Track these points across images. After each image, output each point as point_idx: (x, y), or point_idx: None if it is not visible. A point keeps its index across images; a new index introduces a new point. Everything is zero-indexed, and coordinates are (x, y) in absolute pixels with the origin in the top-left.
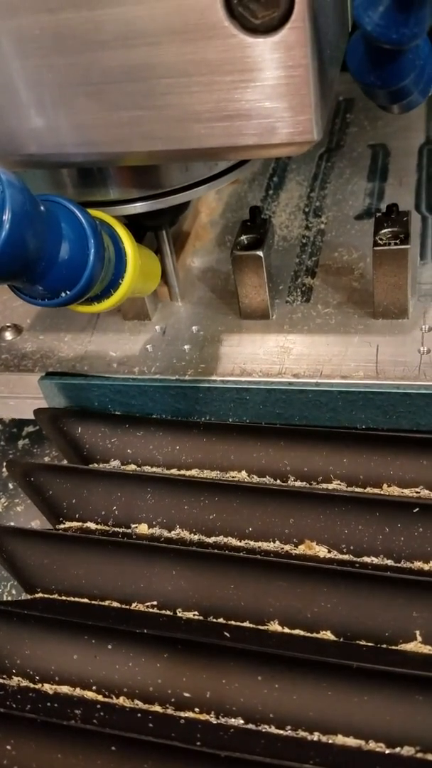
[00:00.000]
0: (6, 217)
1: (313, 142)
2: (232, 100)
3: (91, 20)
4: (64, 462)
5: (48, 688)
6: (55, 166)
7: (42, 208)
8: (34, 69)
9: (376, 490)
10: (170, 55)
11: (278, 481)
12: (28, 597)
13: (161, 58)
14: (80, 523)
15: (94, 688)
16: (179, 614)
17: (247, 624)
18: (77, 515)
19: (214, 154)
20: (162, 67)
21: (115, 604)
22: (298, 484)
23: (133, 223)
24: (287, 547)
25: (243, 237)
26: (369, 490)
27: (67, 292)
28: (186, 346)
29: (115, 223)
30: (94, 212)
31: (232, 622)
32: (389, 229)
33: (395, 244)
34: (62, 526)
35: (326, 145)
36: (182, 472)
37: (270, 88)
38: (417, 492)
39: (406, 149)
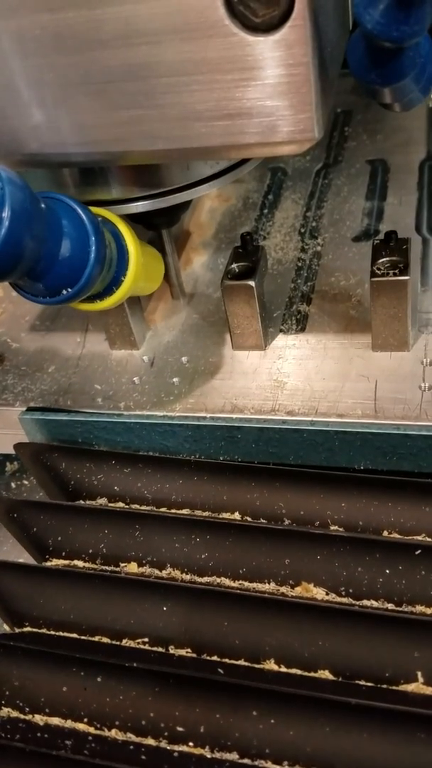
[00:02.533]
0: (6, 214)
1: (314, 140)
2: (233, 99)
3: (92, 19)
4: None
5: (38, 719)
6: (56, 166)
7: (43, 205)
8: (35, 68)
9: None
10: (171, 53)
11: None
12: (16, 631)
13: (162, 57)
14: (67, 561)
15: (85, 720)
16: (171, 651)
17: (242, 662)
18: (63, 553)
19: (215, 153)
20: (162, 66)
21: (105, 640)
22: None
23: (135, 221)
24: (283, 589)
25: (234, 265)
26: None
27: (69, 290)
28: (175, 379)
29: (118, 221)
30: (96, 210)
31: (227, 660)
32: (388, 258)
33: (394, 274)
34: (49, 563)
35: (323, 160)
36: (172, 511)
37: (271, 86)
38: (419, 540)
39: (407, 165)
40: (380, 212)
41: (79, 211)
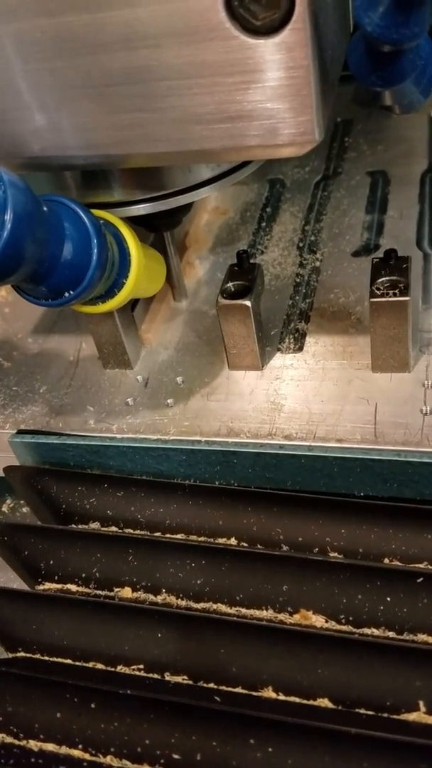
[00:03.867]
0: (8, 217)
1: (314, 142)
2: (234, 102)
3: (92, 23)
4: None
5: (33, 744)
6: (58, 168)
7: (45, 208)
8: (36, 72)
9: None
10: (171, 57)
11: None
12: (9, 656)
13: (162, 60)
14: (60, 585)
15: (80, 746)
16: (167, 678)
17: (239, 689)
18: (56, 576)
19: (215, 156)
20: (163, 69)
21: (100, 666)
22: None
23: (136, 224)
24: (281, 616)
25: (230, 284)
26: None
27: (71, 292)
28: (169, 400)
29: (120, 224)
30: (98, 212)
31: (224, 687)
32: (387, 278)
33: (394, 294)
34: (41, 587)
35: (323, 172)
36: (167, 536)
37: (271, 89)
38: (421, 568)
39: (408, 177)
40: (380, 226)
41: (81, 213)
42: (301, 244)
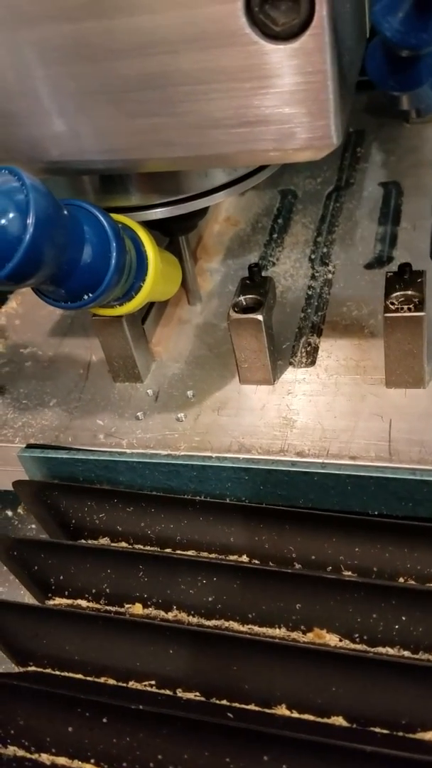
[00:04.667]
0: (30, 220)
1: (332, 146)
2: (251, 107)
3: (111, 29)
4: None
5: (45, 758)
6: (76, 173)
7: (65, 212)
8: (56, 78)
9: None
10: (189, 62)
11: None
12: (20, 669)
13: (180, 65)
14: (70, 600)
15: (92, 760)
16: (179, 694)
17: (252, 707)
18: (66, 592)
19: (233, 160)
20: (181, 75)
21: (111, 681)
22: None
23: (153, 228)
24: (294, 635)
25: (241, 297)
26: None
27: (90, 295)
28: (179, 414)
29: (137, 228)
30: (116, 217)
31: (236, 704)
32: (402, 293)
33: (409, 309)
34: (51, 602)
35: (335, 183)
36: (177, 552)
37: (289, 93)
38: None
39: (421, 188)
40: (393, 238)
41: (101, 217)
42: (313, 256)
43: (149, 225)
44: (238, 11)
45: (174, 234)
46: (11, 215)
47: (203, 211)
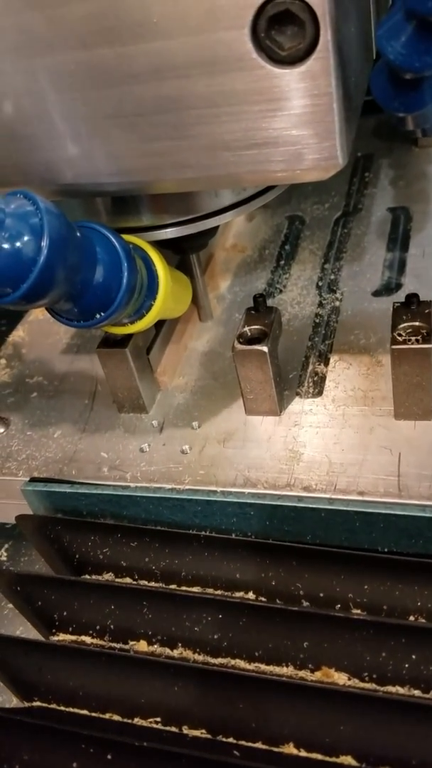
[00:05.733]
0: (44, 243)
1: (338, 167)
2: (260, 129)
3: (124, 55)
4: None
5: None
6: (90, 195)
7: (78, 233)
8: (70, 102)
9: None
10: (200, 86)
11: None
12: (25, 704)
13: (191, 89)
14: (75, 636)
15: None
16: (185, 731)
17: (259, 745)
18: (70, 628)
19: (242, 180)
20: (192, 99)
21: (116, 717)
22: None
23: (164, 246)
24: (302, 673)
25: (246, 328)
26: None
27: (102, 314)
28: (184, 446)
29: (148, 248)
30: (128, 237)
31: (243, 742)
32: (409, 323)
33: (417, 341)
34: (56, 637)
35: (343, 208)
36: (183, 588)
37: (296, 116)
38: None
39: (430, 213)
40: (402, 264)
41: (112, 238)
42: (320, 283)
43: (161, 244)
44: (244, 37)
45: (185, 252)
46: (26, 238)
47: (214, 230)
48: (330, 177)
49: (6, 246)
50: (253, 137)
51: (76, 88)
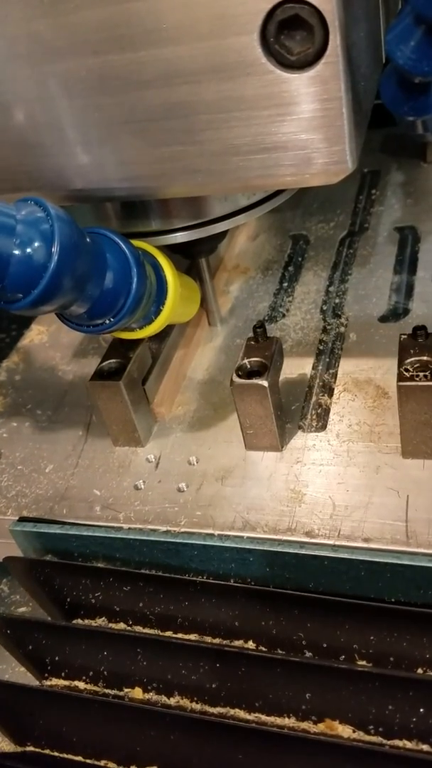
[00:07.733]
0: (55, 249)
1: (348, 171)
2: (270, 134)
3: (135, 61)
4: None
5: None
6: (100, 200)
7: (88, 240)
8: (81, 108)
9: None
10: (210, 92)
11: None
12: (18, 749)
13: (201, 95)
14: (68, 681)
15: None
16: None
17: None
18: (63, 673)
19: (252, 185)
20: (202, 104)
21: (112, 765)
22: None
23: (173, 251)
24: (305, 725)
25: (245, 360)
26: None
27: (111, 319)
28: (181, 484)
29: (157, 253)
30: (137, 243)
31: None
32: (417, 358)
33: (425, 377)
34: (48, 682)
35: (348, 227)
36: (179, 635)
37: (306, 120)
38: None
39: None
40: (410, 288)
41: (122, 245)
42: (324, 307)
43: (171, 248)
44: (254, 42)
45: (194, 257)
46: (37, 244)
47: (223, 234)
48: (336, 194)
49: (17, 252)
50: (262, 142)
51: (88, 94)
